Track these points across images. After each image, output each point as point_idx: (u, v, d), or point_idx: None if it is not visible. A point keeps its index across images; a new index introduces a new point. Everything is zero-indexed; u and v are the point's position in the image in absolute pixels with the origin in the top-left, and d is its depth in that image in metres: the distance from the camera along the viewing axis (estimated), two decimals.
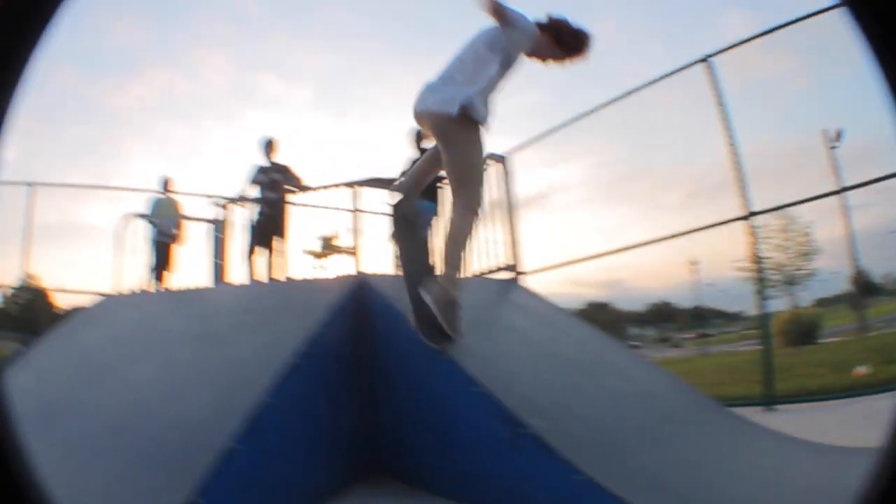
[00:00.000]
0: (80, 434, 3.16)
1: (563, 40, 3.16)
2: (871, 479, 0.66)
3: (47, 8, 0.70)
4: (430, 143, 5.70)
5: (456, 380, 3.02)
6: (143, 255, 8.28)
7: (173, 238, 8.35)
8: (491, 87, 3.05)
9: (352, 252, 5.31)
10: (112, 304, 6.10)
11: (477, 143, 3.05)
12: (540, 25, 3.17)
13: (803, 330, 17.44)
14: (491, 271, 5.40)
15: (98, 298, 6.04)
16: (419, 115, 3.13)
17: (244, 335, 3.62)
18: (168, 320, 4.53)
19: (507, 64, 3.09)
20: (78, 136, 77.63)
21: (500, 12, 2.95)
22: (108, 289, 8.43)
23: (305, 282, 4.34)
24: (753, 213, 6.00)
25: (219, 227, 7.11)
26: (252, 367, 3.16)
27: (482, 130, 3.04)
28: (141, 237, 8.33)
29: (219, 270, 7.02)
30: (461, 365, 3.03)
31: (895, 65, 0.63)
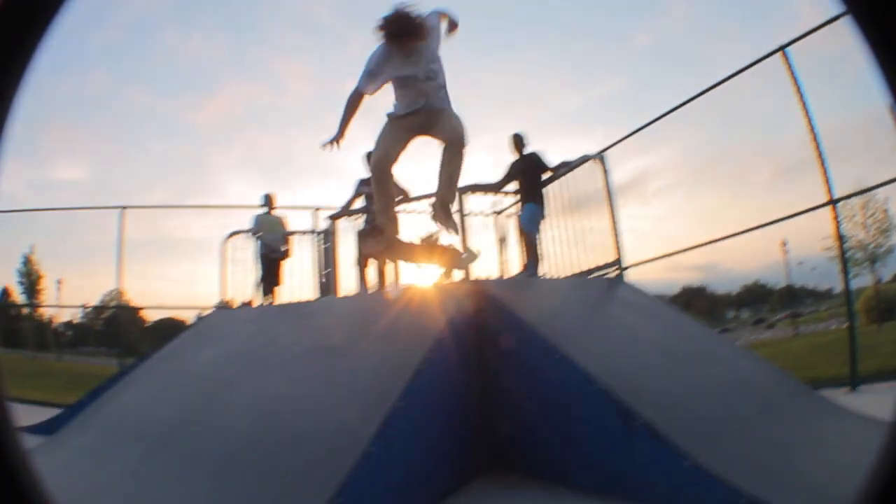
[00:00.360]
0: (212, 449, 3.30)
1: (386, 36, 3.63)
2: (874, 473, 0.64)
3: (44, 13, 0.68)
4: (529, 149, 5.99)
5: (572, 377, 3.20)
6: (249, 271, 8.36)
7: (283, 254, 8.37)
8: (395, 90, 3.90)
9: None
10: (220, 318, 6.44)
11: (384, 128, 3.98)
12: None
13: (885, 307, 16.92)
14: (597, 269, 5.60)
15: (202, 313, 6.42)
16: None
17: (366, 345, 3.76)
18: (286, 334, 4.66)
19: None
20: (162, 154, 79.28)
21: (361, 94, 3.79)
22: (210, 303, 8.74)
23: (419, 289, 4.46)
24: (837, 200, 5.98)
25: (326, 238, 7.29)
26: (378, 376, 3.34)
27: (390, 120, 3.96)
28: (245, 253, 8.44)
29: (327, 282, 7.17)
30: (577, 363, 3.22)
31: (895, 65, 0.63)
